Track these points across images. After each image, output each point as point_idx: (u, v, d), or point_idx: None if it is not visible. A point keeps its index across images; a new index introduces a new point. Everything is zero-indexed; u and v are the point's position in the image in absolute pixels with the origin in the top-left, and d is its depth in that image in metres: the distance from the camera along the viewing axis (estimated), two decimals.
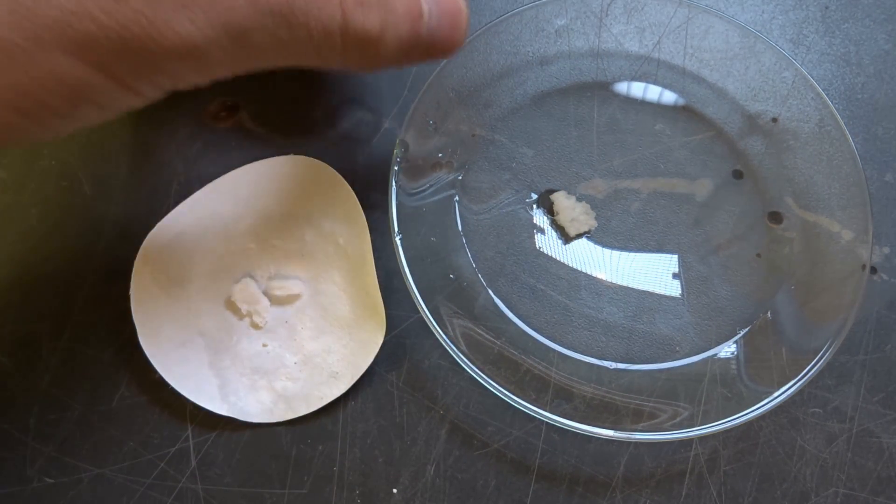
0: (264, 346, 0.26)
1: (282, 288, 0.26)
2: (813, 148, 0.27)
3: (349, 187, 0.27)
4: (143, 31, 0.16)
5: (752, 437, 0.25)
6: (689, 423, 0.23)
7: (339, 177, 0.27)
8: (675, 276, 0.27)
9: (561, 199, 0.28)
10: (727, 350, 0.26)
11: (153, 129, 0.29)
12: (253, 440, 0.25)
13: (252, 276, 0.27)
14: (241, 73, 0.19)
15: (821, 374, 0.24)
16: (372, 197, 0.28)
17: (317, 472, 0.25)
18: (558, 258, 0.28)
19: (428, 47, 0.21)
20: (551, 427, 0.25)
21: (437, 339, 0.24)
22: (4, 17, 0.15)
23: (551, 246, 0.28)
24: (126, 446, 0.25)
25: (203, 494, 0.25)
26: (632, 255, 0.28)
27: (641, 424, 0.24)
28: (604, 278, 0.27)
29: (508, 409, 0.25)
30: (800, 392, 0.24)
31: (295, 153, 0.28)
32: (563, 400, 0.24)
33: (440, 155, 0.28)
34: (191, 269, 0.26)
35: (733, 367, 0.25)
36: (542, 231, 0.28)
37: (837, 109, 0.27)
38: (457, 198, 0.28)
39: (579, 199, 0.28)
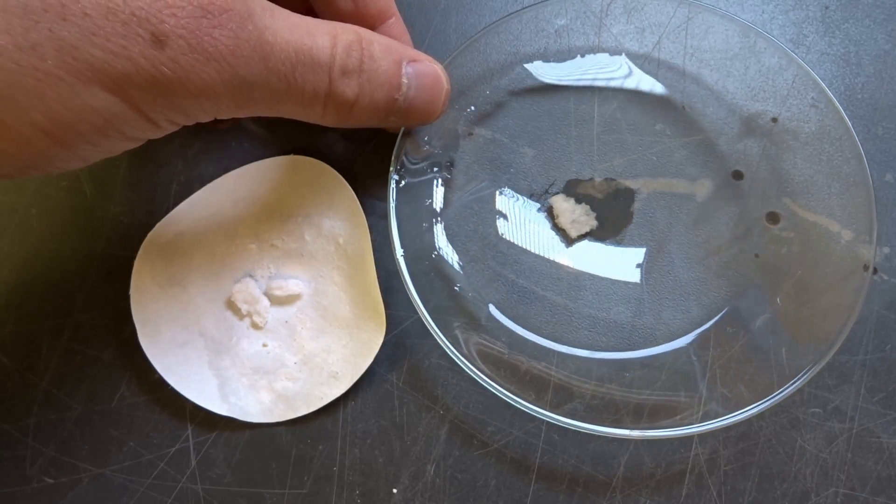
0: (264, 346, 0.26)
1: (282, 288, 0.26)
2: (813, 148, 0.27)
3: (349, 187, 0.27)
4: (174, 75, 0.18)
5: (752, 437, 0.25)
6: (689, 422, 0.23)
7: (339, 177, 0.27)
8: (674, 276, 0.27)
9: (560, 202, 0.28)
10: (727, 349, 0.26)
11: None
12: (253, 440, 0.25)
13: (252, 276, 0.27)
14: (236, 116, 0.21)
15: (821, 374, 0.24)
16: (372, 196, 0.28)
17: (317, 472, 0.25)
18: (558, 258, 0.28)
19: (404, 115, 0.24)
20: (551, 427, 0.25)
21: (437, 339, 0.24)
22: (51, 53, 0.17)
23: (551, 246, 0.28)
24: (126, 446, 0.25)
25: (203, 494, 0.25)
26: (632, 255, 0.28)
27: (641, 423, 0.24)
28: (604, 278, 0.27)
29: (508, 409, 0.25)
30: (800, 392, 0.24)
31: (295, 153, 0.28)
32: (563, 399, 0.24)
33: (439, 156, 0.28)
34: (191, 269, 0.26)
35: (733, 366, 0.25)
36: (542, 232, 0.28)
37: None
38: (456, 198, 0.28)
39: (579, 201, 0.28)
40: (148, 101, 0.18)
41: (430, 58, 0.24)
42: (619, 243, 0.28)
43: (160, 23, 0.17)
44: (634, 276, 0.27)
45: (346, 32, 0.21)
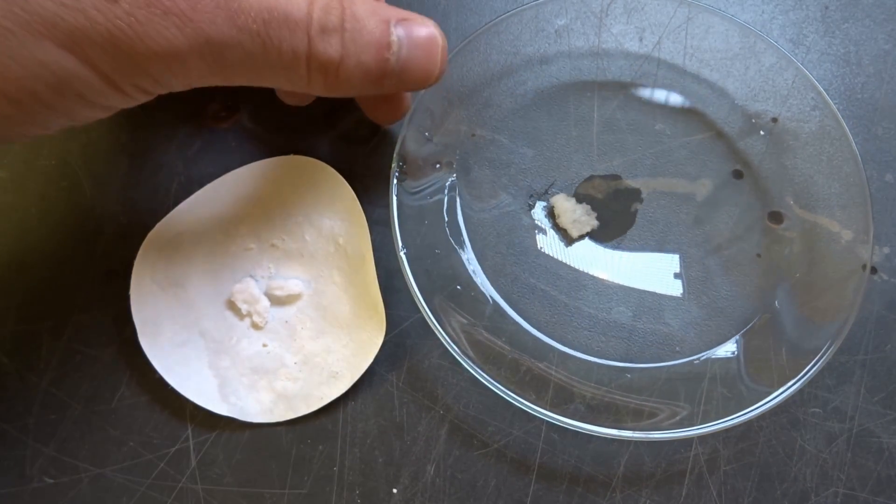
0: (264, 346, 0.26)
1: (282, 288, 0.26)
2: (813, 148, 0.27)
3: (349, 187, 0.27)
4: (131, 31, 0.17)
5: (752, 437, 0.25)
6: (689, 422, 0.23)
7: (339, 177, 0.27)
8: (675, 275, 0.27)
9: (561, 202, 0.28)
10: (727, 350, 0.26)
11: (153, 130, 0.29)
12: (253, 440, 0.25)
13: (252, 276, 0.27)
14: (217, 84, 0.20)
15: (821, 374, 0.24)
16: (372, 196, 0.28)
17: (317, 472, 0.25)
18: (559, 258, 0.28)
19: (399, 78, 0.22)
20: (551, 427, 0.25)
21: (438, 338, 0.24)
22: (0, 4, 0.16)
23: (552, 246, 0.28)
24: (126, 446, 0.25)
25: (203, 494, 0.25)
26: (632, 255, 0.28)
27: (642, 424, 0.24)
28: (605, 278, 0.27)
29: (508, 408, 0.25)
30: (800, 392, 0.24)
31: (295, 153, 0.28)
32: (563, 400, 0.24)
33: (440, 156, 0.28)
34: (191, 269, 0.26)
35: (733, 366, 0.25)
36: (543, 232, 0.28)
37: (837, 109, 0.27)
38: (457, 198, 0.28)
39: (579, 201, 0.28)
40: (108, 61, 0.17)
41: (422, 16, 0.22)
42: (619, 243, 0.28)
43: None
44: (635, 276, 0.27)
45: None
